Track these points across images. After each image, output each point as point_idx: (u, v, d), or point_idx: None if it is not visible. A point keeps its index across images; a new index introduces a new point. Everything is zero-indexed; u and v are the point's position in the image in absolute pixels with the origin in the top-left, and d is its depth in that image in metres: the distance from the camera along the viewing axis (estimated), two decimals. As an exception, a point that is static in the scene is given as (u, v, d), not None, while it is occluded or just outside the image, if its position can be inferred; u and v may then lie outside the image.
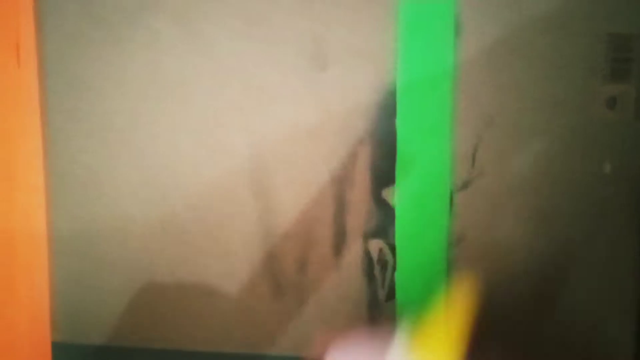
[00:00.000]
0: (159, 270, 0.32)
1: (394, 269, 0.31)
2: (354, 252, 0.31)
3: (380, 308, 0.32)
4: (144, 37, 0.31)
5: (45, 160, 0.32)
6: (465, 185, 0.31)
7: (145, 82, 0.31)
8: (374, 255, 0.31)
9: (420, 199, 0.31)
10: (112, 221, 0.31)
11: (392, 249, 0.31)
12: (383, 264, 0.31)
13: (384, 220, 0.31)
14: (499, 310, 0.31)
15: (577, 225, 0.30)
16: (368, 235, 0.31)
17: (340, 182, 0.31)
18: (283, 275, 0.32)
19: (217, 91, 0.31)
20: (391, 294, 0.31)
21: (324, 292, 0.32)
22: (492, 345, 0.31)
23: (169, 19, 0.30)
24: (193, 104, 0.31)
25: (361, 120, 0.31)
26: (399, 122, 0.30)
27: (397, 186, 0.31)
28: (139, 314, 0.32)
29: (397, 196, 0.31)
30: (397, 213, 0.31)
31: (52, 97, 0.31)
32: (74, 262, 0.32)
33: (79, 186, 0.32)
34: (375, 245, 0.31)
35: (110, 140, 0.31)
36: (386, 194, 0.31)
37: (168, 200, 0.31)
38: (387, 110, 0.30)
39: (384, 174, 0.31)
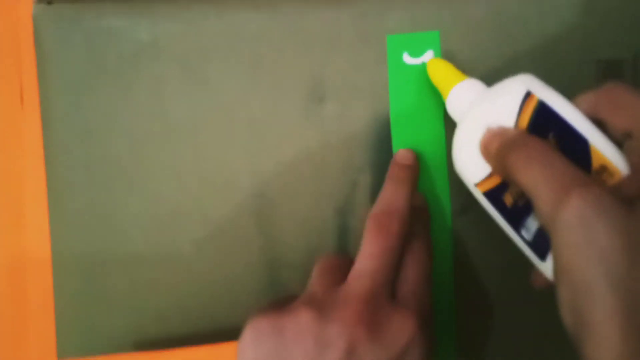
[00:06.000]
0: (165, 304, 0.32)
1: (398, 295, 0.32)
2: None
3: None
4: (148, 83, 0.31)
5: (50, 203, 0.32)
6: (465, 210, 0.31)
7: (150, 128, 0.31)
8: (378, 282, 0.32)
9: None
10: (117, 260, 0.32)
11: (396, 275, 0.32)
12: (387, 290, 0.32)
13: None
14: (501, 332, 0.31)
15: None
16: (371, 263, 0.32)
17: (342, 211, 0.32)
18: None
19: (222, 133, 0.31)
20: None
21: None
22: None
23: (173, 65, 0.31)
24: (199, 147, 0.31)
25: (360, 150, 0.31)
26: (394, 151, 0.31)
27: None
28: (146, 347, 0.33)
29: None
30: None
31: (57, 144, 0.32)
32: (80, 301, 0.32)
33: (83, 228, 0.32)
34: (379, 272, 0.32)
35: (115, 184, 0.32)
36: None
37: (174, 237, 0.32)
38: (385, 141, 0.31)
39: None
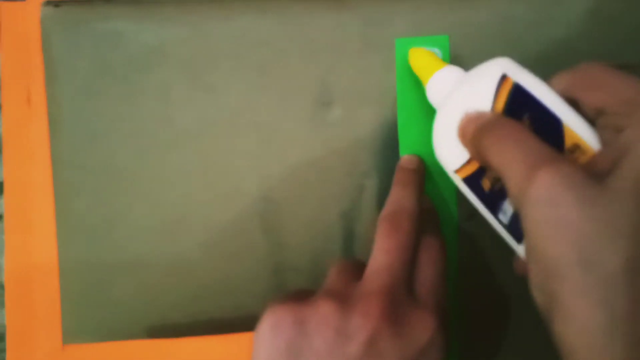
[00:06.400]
0: (171, 308, 0.32)
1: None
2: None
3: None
4: (154, 87, 0.31)
5: (57, 207, 0.32)
6: (471, 215, 0.31)
7: (156, 132, 0.31)
8: (383, 287, 0.32)
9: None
10: (123, 265, 0.32)
11: (401, 280, 0.31)
12: (392, 295, 0.32)
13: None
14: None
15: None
16: (377, 267, 0.32)
17: (348, 216, 0.31)
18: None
19: (228, 138, 0.31)
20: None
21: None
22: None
23: (180, 69, 0.31)
24: (205, 151, 0.31)
25: (367, 155, 0.31)
26: (401, 155, 0.31)
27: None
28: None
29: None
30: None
31: (63, 148, 0.32)
32: (85, 306, 0.32)
33: (89, 233, 0.32)
34: (384, 277, 0.32)
35: (121, 188, 0.32)
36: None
37: (180, 242, 0.32)
38: (391, 145, 0.31)
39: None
